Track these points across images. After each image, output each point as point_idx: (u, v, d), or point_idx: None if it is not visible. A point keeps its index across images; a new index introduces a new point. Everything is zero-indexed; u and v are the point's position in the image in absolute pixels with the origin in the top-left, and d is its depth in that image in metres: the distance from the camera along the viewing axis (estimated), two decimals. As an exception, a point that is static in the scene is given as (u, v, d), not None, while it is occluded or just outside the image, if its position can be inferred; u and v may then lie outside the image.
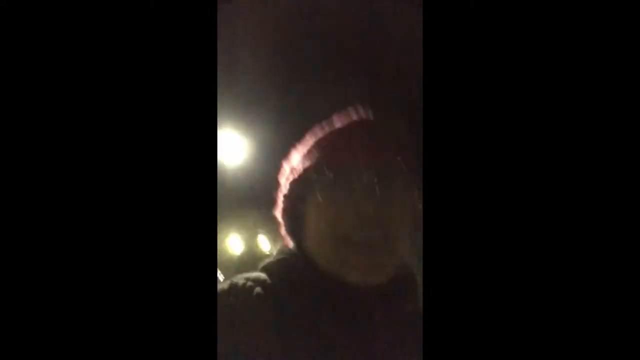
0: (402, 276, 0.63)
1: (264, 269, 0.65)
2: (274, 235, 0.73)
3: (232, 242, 4.73)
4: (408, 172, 0.63)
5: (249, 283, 0.62)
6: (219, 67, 0.49)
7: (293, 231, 0.68)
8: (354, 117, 0.68)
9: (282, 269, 0.65)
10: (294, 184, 0.67)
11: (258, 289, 0.61)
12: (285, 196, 0.68)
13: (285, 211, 0.69)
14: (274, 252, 0.69)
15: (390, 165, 0.62)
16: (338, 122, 0.68)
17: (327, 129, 0.68)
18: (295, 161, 0.68)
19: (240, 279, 0.63)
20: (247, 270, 0.65)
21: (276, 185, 0.71)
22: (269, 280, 0.63)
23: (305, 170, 0.65)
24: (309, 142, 0.69)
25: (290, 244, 0.69)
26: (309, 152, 0.67)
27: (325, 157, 0.64)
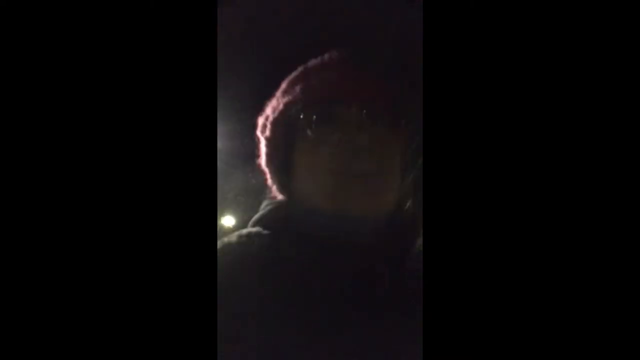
0: (399, 208, 0.62)
1: (256, 223, 0.64)
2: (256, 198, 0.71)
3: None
4: (392, 106, 0.61)
5: (243, 239, 0.61)
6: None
7: (279, 175, 0.66)
8: (327, 58, 0.64)
9: (275, 217, 0.63)
10: (275, 123, 0.63)
11: (255, 240, 0.60)
12: (268, 138, 0.65)
13: (269, 156, 0.66)
14: (262, 206, 0.67)
15: (372, 100, 0.60)
16: (312, 63, 0.65)
17: (300, 69, 0.65)
18: (273, 103, 0.65)
19: (233, 237, 0.61)
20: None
21: (255, 137, 0.68)
22: (264, 231, 0.62)
23: (287, 106, 0.62)
24: (282, 85, 0.65)
25: (278, 195, 0.67)
26: (286, 91, 0.64)
27: (304, 93, 0.61)
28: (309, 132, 0.60)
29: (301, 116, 0.61)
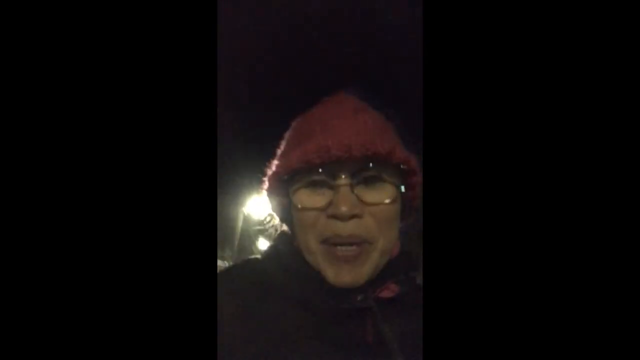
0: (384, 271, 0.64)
1: (266, 251, 0.70)
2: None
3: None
4: (389, 164, 0.61)
5: (255, 265, 0.68)
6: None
7: (285, 221, 0.71)
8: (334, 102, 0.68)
9: (277, 256, 0.68)
10: (272, 181, 0.66)
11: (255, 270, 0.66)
12: (267, 191, 0.69)
13: (272, 206, 0.71)
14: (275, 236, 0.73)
15: (365, 158, 0.59)
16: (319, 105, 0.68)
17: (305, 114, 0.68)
18: (275, 155, 0.69)
19: (240, 261, 0.70)
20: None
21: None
22: (266, 264, 0.67)
23: (281, 167, 0.64)
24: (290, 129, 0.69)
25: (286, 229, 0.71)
26: (285, 145, 0.68)
27: (300, 153, 0.61)
28: (295, 198, 0.62)
29: (290, 178, 0.64)
